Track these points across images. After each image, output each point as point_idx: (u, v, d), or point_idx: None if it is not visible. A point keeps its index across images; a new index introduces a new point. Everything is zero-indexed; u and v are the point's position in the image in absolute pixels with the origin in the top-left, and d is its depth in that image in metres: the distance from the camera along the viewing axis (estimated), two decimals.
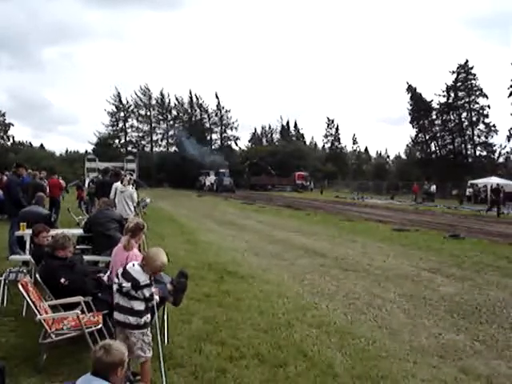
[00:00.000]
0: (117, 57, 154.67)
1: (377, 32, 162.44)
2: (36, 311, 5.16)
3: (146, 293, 4.47)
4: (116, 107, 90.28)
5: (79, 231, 10.37)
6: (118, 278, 4.56)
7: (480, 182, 52.17)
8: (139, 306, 4.46)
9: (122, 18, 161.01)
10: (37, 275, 6.13)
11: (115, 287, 4.57)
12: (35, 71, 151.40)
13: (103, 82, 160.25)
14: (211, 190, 66.09)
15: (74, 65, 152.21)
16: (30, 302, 5.22)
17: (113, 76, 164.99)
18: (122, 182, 12.77)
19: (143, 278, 4.50)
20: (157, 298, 4.68)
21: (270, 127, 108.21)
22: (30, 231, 8.65)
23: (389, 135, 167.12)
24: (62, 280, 5.86)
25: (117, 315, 4.56)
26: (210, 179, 70.90)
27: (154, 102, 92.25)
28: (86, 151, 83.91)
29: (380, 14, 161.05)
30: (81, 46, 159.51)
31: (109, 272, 5.95)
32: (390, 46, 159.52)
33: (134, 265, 4.60)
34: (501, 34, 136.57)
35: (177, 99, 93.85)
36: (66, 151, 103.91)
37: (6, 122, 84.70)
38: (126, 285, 4.43)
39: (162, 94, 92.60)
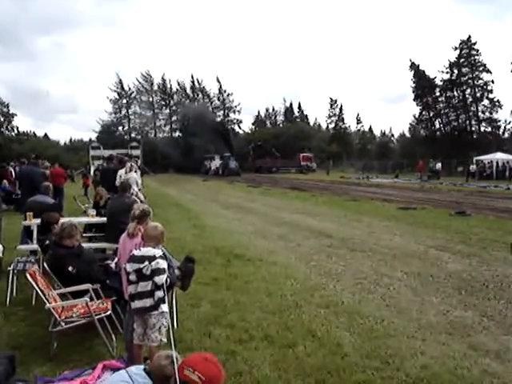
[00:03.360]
0: (113, 44, 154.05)
1: (378, 10, 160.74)
2: (45, 300, 5.20)
3: (164, 264, 4.51)
4: (118, 94, 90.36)
5: (86, 219, 10.41)
6: (129, 267, 4.55)
7: (485, 158, 52.00)
8: (158, 281, 4.45)
9: (115, 4, 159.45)
10: (45, 264, 6.17)
11: (131, 278, 4.54)
12: (31, 61, 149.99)
13: (100, 69, 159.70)
14: (217, 174, 66.22)
15: (69, 53, 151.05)
16: (38, 291, 5.26)
17: (111, 63, 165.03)
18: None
19: (157, 251, 4.54)
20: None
21: (273, 109, 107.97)
22: (37, 221, 8.69)
23: (392, 114, 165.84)
24: (70, 268, 5.89)
25: (135, 304, 4.54)
26: (216, 163, 70.96)
27: (155, 87, 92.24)
28: (90, 139, 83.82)
29: None
30: (74, 35, 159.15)
31: (116, 259, 5.97)
32: (390, 23, 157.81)
33: (140, 249, 4.62)
34: (491, 8, 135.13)
35: (178, 84, 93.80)
36: (70, 140, 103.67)
37: (10, 112, 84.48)
38: (145, 265, 4.43)
39: (163, 80, 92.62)
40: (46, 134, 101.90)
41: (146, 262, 4.42)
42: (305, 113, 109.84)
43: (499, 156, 51.17)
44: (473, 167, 50.14)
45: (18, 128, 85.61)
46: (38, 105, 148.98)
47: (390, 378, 4.66)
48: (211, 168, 71.83)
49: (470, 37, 73.64)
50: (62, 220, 7.66)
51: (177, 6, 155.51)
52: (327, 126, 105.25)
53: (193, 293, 7.15)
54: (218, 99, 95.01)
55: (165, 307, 4.54)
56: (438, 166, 51.69)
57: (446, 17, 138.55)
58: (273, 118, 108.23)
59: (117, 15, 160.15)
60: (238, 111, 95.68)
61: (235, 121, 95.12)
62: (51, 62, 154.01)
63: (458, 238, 12.43)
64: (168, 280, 4.58)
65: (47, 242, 6.93)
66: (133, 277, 4.50)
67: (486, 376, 4.69)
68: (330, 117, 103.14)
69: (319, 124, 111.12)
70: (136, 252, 4.59)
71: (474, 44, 73.44)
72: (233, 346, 5.46)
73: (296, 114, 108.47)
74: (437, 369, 4.83)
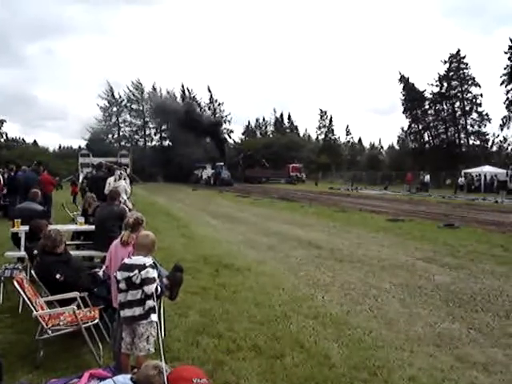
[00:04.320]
0: (104, 51, 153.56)
1: (368, 23, 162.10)
2: (32, 307, 5.16)
3: (154, 274, 4.49)
4: (108, 102, 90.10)
5: (74, 227, 10.36)
6: (119, 276, 4.52)
7: (473, 171, 52.38)
8: (147, 290, 4.44)
9: (104, 13, 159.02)
10: (32, 271, 6.13)
11: (120, 286, 4.52)
12: (19, 68, 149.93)
13: (90, 77, 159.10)
14: (208, 184, 65.18)
15: (59, 60, 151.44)
16: (25, 298, 5.22)
17: (101, 71, 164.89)
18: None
19: (147, 260, 4.52)
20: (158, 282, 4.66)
21: (263, 120, 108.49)
22: (25, 228, 8.64)
23: (381, 125, 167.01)
24: (58, 276, 5.86)
25: (124, 312, 4.52)
26: (207, 172, 70.29)
27: (146, 96, 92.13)
28: (80, 146, 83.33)
29: (370, 4, 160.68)
30: (64, 41, 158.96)
31: (104, 267, 5.93)
32: (381, 35, 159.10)
33: (131, 257, 4.60)
34: (479, 23, 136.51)
35: (168, 93, 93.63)
36: (60, 147, 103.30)
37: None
38: (134, 273, 4.41)
39: (154, 88, 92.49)
40: (35, 141, 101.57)
41: (136, 271, 4.40)
42: (295, 123, 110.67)
43: (487, 169, 51.57)
44: (461, 180, 50.48)
45: (6, 134, 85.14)
46: (26, 111, 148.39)
47: None
48: (202, 177, 71.22)
49: (459, 50, 74.51)
50: (49, 227, 7.63)
51: (168, 15, 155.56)
52: (317, 137, 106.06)
53: (181, 302, 7.12)
54: (209, 108, 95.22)
55: (154, 317, 4.52)
56: (427, 178, 51.99)
57: (435, 30, 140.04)
58: (263, 128, 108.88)
59: (107, 22, 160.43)
60: (229, 121, 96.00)
61: (226, 130, 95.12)
62: (40, 69, 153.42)
63: (446, 251, 12.47)
64: (159, 289, 4.57)
65: (35, 251, 6.88)
66: (122, 285, 4.48)
67: None
68: (319, 128, 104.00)
69: (309, 135, 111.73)
70: (127, 260, 4.58)
71: (464, 58, 74.22)
72: (220, 356, 5.43)
73: (286, 124, 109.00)
74: (424, 381, 4.84)
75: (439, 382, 4.83)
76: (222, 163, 69.33)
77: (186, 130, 75.92)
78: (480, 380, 4.88)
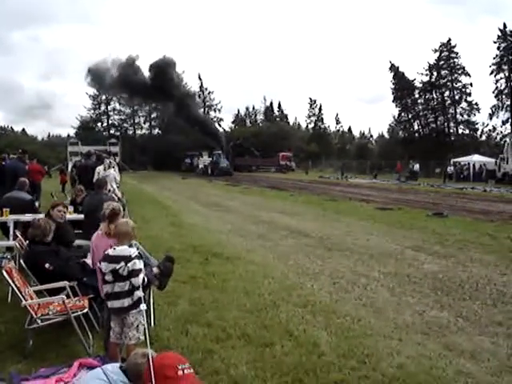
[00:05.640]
0: (92, 39, 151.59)
1: (358, 12, 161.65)
2: (21, 297, 5.13)
3: (140, 265, 4.48)
4: (98, 90, 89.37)
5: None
6: (104, 267, 4.50)
7: (463, 160, 52.65)
8: (135, 282, 4.43)
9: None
10: (21, 261, 6.10)
11: (107, 278, 4.50)
12: (5, 55, 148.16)
13: (78, 65, 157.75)
14: (205, 174, 61.16)
15: (46, 48, 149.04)
16: (14, 288, 5.19)
17: (87, 59, 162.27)
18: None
19: (132, 250, 4.50)
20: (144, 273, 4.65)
21: (253, 108, 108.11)
22: (13, 217, 8.60)
23: (371, 115, 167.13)
24: (47, 265, 5.84)
25: (112, 304, 4.50)
26: (204, 161, 67.20)
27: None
28: (69, 135, 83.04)
29: None
30: (50, 29, 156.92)
31: (90, 256, 5.90)
32: (370, 25, 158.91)
33: (114, 248, 4.57)
34: (464, 11, 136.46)
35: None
36: (48, 135, 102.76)
37: None
38: (121, 265, 4.39)
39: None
40: (23, 130, 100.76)
41: (122, 263, 4.38)
42: (285, 112, 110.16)
43: (476, 158, 51.84)
44: (450, 169, 50.73)
45: None
46: (11, 99, 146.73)
47: (366, 377, 4.68)
48: (199, 166, 68.21)
49: (449, 39, 74.67)
50: (38, 216, 7.59)
51: (156, 2, 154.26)
52: (307, 126, 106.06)
53: (170, 291, 7.10)
54: (199, 96, 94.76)
55: (143, 306, 4.51)
56: (416, 167, 52.19)
57: (425, 19, 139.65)
58: (253, 116, 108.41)
59: (94, 10, 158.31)
60: (219, 109, 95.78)
61: (216, 119, 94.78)
62: (26, 56, 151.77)
63: (434, 239, 12.54)
64: (145, 279, 4.56)
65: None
66: (109, 277, 4.46)
67: (460, 376, 4.73)
68: (309, 117, 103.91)
69: (299, 124, 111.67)
70: (111, 251, 4.53)
71: (454, 47, 74.43)
72: (210, 344, 5.44)
73: (276, 113, 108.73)
74: (412, 369, 4.86)
75: (427, 369, 4.86)
76: (219, 151, 64.71)
77: (175, 116, 72.20)
78: (467, 368, 4.92)
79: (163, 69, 65.04)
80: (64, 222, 7.71)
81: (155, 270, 5.68)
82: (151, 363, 2.99)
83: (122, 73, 63.03)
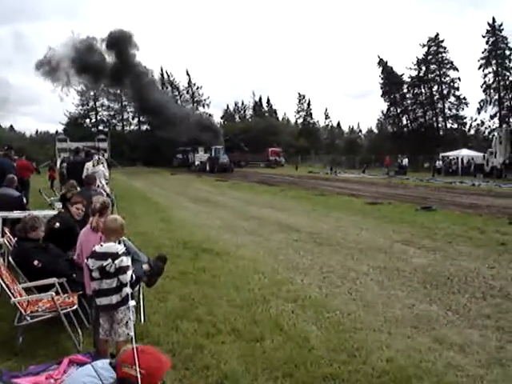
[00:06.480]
0: (79, 34, 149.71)
1: (346, 7, 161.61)
2: (10, 294, 5.11)
3: (128, 262, 4.46)
4: (85, 86, 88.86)
5: (52, 212, 10.26)
6: (91, 264, 4.47)
7: (451, 154, 52.96)
8: (122, 279, 4.41)
9: None
10: (10, 258, 6.07)
11: (94, 275, 4.47)
12: None
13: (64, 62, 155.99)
14: (203, 171, 56.25)
15: (31, 43, 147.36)
16: (3, 285, 5.16)
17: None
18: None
19: (119, 247, 4.47)
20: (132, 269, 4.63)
21: (242, 103, 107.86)
22: (2, 214, 8.55)
23: (360, 110, 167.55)
24: (36, 262, 5.82)
25: (100, 301, 4.48)
26: (200, 157, 63.26)
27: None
28: (57, 131, 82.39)
29: None
30: (35, 25, 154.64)
31: (76, 255, 5.87)
32: (359, 20, 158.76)
33: (101, 245, 4.54)
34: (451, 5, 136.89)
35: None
36: (36, 132, 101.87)
37: None
38: (108, 263, 4.37)
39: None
40: (11, 126, 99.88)
41: (109, 260, 4.35)
42: (274, 107, 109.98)
43: (465, 152, 52.22)
44: (439, 163, 51.06)
45: None
46: None
47: (357, 371, 4.70)
48: (195, 163, 64.22)
49: (437, 34, 75.01)
50: (27, 213, 7.55)
51: None
52: (296, 121, 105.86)
53: (160, 287, 7.11)
54: (188, 92, 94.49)
55: (132, 302, 4.50)
56: (405, 161, 52.48)
57: (413, 14, 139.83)
58: (242, 112, 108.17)
59: (80, 5, 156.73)
60: (208, 105, 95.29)
61: (205, 114, 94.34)
62: (10, 52, 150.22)
63: (423, 233, 12.60)
64: (133, 276, 4.54)
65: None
66: (96, 274, 4.43)
67: (450, 369, 4.76)
68: (298, 112, 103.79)
69: (288, 119, 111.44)
70: (97, 248, 4.49)
71: (442, 41, 74.79)
72: (200, 339, 5.44)
73: (265, 108, 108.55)
74: (402, 362, 4.89)
75: (417, 363, 4.88)
76: (219, 146, 59.44)
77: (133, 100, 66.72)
78: (457, 361, 4.95)
79: (118, 43, 58.34)
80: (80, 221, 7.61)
81: (145, 266, 5.68)
82: (136, 359, 3.00)
83: (76, 56, 55.65)
